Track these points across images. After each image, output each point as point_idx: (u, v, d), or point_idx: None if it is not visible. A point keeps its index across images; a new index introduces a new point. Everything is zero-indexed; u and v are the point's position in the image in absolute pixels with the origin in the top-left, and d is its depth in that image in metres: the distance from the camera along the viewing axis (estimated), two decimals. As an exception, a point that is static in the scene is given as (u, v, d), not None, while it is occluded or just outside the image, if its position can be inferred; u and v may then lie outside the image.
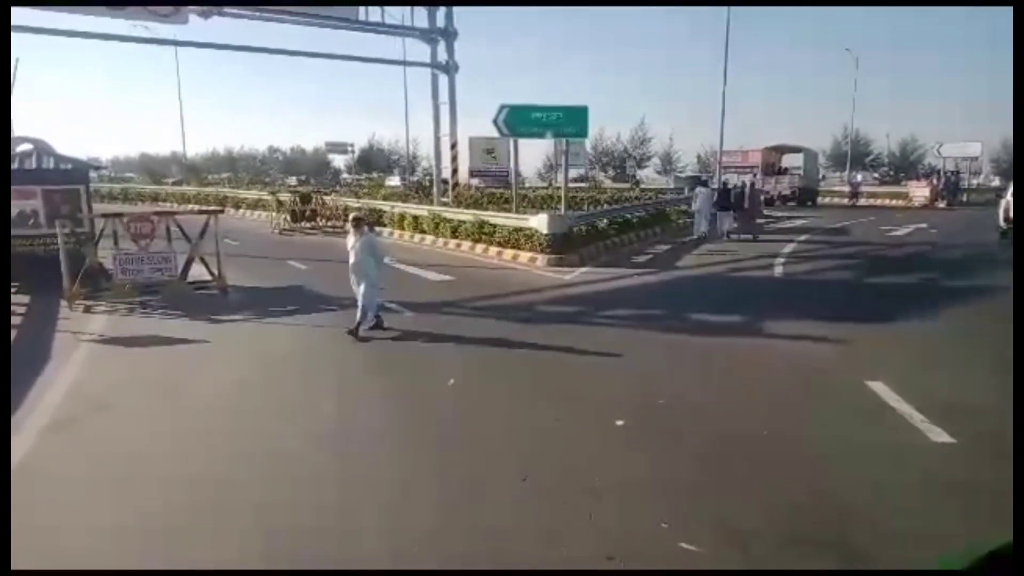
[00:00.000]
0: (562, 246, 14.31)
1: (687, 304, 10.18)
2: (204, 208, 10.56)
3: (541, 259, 14.23)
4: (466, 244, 17.00)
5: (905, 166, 59.53)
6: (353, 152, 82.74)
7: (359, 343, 8.03)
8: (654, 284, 12.01)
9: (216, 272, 11.12)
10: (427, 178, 59.67)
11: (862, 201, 38.80)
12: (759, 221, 20.75)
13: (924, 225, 22.35)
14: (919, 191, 37.94)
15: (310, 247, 18.27)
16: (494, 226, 16.30)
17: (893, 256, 15.52)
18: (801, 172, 38.13)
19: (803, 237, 19.09)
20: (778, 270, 13.21)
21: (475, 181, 28.31)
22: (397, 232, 20.37)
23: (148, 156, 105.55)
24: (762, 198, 23.19)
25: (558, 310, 9.91)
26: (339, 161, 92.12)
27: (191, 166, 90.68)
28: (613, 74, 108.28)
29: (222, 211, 11.19)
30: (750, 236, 18.56)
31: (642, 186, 39.11)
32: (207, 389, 6.48)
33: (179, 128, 74.47)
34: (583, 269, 13.54)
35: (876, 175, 63.22)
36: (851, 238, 19.06)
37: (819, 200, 38.16)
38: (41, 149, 12.37)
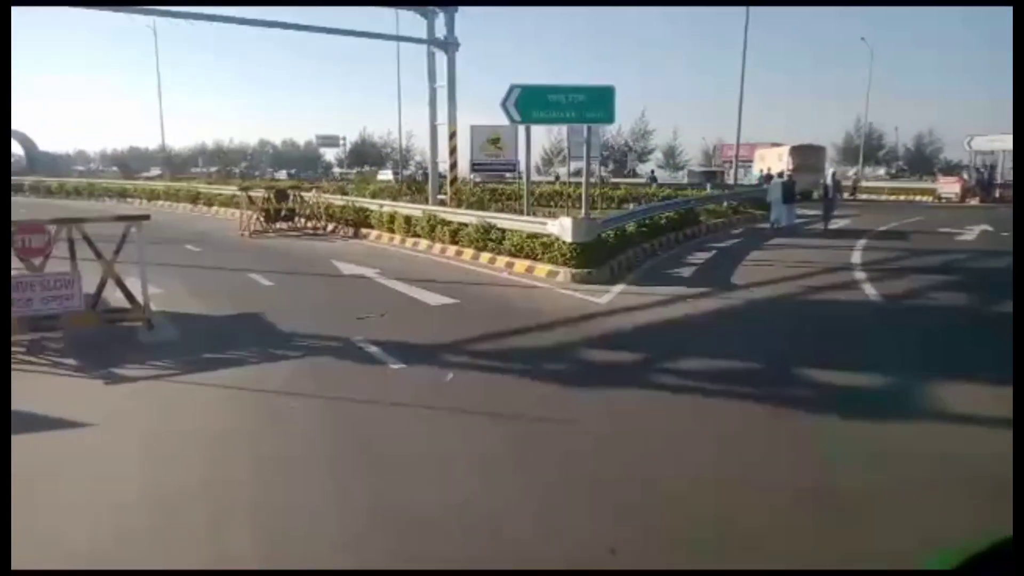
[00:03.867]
0: (590, 258, 11.53)
1: (781, 350, 7.39)
2: (124, 215, 7.39)
3: (564, 274, 11.44)
4: (468, 252, 14.21)
5: (920, 161, 57.05)
6: (345, 145, 79.86)
7: (322, 429, 5.22)
8: (719, 313, 9.24)
9: (139, 299, 8.25)
10: (420, 172, 57.30)
11: (881, 197, 36.54)
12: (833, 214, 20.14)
13: (987, 227, 19.63)
14: (949, 187, 35.37)
15: (283, 254, 15.43)
16: (503, 231, 13.50)
17: (996, 269, 12.75)
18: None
19: (862, 242, 16.34)
20: (869, 290, 10.43)
21: (473, 176, 25.53)
22: (386, 236, 17.53)
23: (137, 150, 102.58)
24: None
25: (605, 358, 7.13)
26: (330, 155, 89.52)
27: (173, 160, 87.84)
28: (610, 65, 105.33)
29: (147, 218, 8.24)
30: (820, 227, 18.84)
31: (659, 182, 36.27)
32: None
33: (174, 119, 71.38)
34: (619, 288, 10.76)
35: (888, 170, 60.79)
36: (919, 245, 16.30)
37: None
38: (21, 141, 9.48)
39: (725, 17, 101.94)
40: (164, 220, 23.55)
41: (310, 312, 9.37)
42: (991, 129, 38.20)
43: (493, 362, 6.89)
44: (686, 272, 12.51)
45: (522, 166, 17.28)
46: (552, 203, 23.33)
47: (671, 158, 67.52)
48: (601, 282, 11.16)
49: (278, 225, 19.39)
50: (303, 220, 19.90)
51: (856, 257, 13.96)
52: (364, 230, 18.54)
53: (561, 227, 11.84)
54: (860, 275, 11.76)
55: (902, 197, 36.18)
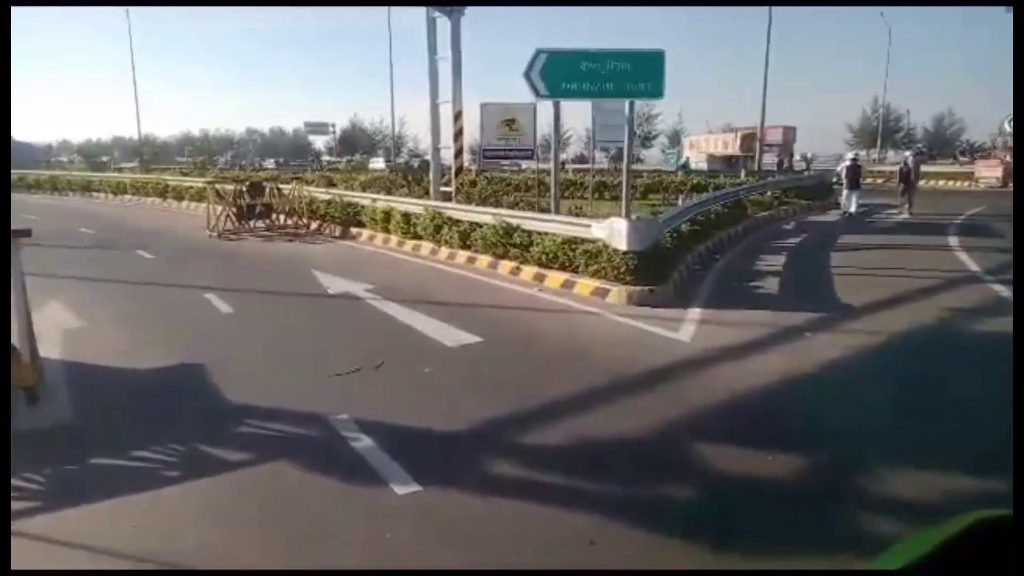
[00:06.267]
0: (650, 271, 8.72)
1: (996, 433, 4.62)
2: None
3: (617, 293, 8.63)
4: (484, 259, 11.38)
5: (940, 143, 54.29)
6: (334, 132, 76.65)
7: None
8: (863, 358, 6.42)
9: (26, 353, 5.36)
10: (415, 160, 54.13)
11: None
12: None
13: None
14: (988, 171, 32.73)
15: (252, 263, 12.57)
16: (529, 234, 10.67)
17: None
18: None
19: (953, 240, 13.62)
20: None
21: (473, 164, 22.59)
22: (381, 236, 14.66)
23: (122, 139, 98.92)
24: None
25: (748, 466, 4.33)
26: (320, 143, 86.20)
27: (157, 149, 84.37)
28: (610, 40, 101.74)
29: (28, 233, 5.25)
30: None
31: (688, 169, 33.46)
32: None
33: (161, 109, 68.08)
34: (695, 313, 7.96)
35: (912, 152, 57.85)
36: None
37: None
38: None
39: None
40: (124, 217, 20.69)
41: (275, 361, 6.56)
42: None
43: (572, 480, 4.09)
44: (769, 285, 9.72)
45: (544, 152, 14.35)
46: (572, 197, 20.42)
47: (676, 143, 64.55)
48: (667, 303, 8.37)
49: (253, 223, 16.48)
50: (282, 217, 16.99)
51: (969, 261, 11.21)
52: (354, 229, 15.67)
53: (611, 231, 9.02)
54: (1000, 289, 8.99)
55: (940, 182, 33.41)
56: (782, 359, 6.28)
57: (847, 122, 59.84)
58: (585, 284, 9.15)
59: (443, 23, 15.30)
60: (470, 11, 15.30)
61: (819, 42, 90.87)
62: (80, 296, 9.31)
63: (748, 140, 43.38)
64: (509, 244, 10.79)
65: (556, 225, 10.31)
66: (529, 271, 10.26)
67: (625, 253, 8.74)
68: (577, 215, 12.61)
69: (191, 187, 23.10)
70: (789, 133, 48.46)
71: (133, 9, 43.88)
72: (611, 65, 11.29)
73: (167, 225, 18.78)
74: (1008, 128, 34.80)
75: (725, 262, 11.59)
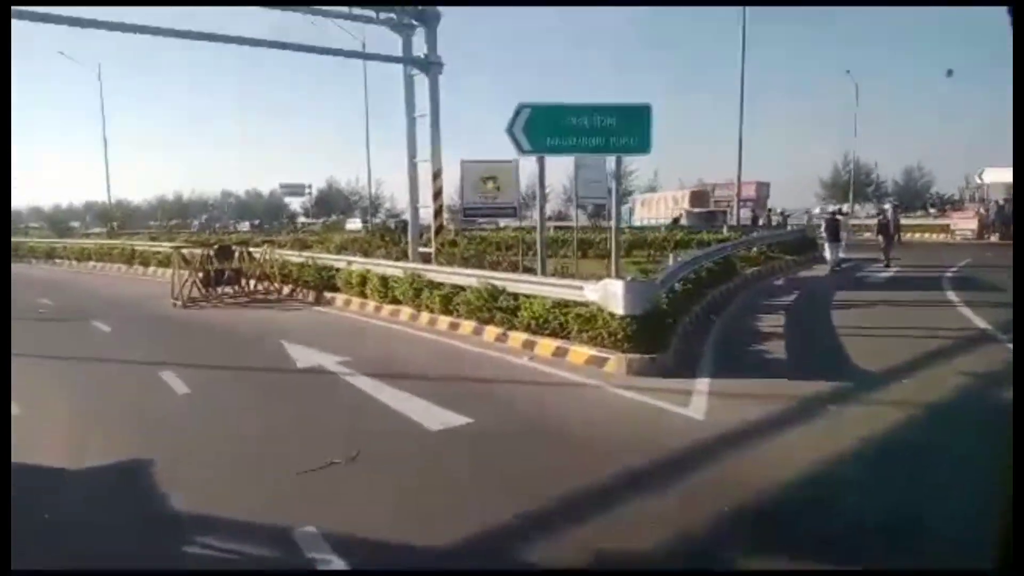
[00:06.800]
0: (650, 336, 8.01)
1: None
2: None
3: (616, 362, 7.89)
4: (467, 325, 10.63)
5: (910, 195, 55.29)
6: (311, 194, 76.28)
7: None
8: (892, 438, 5.71)
9: None
10: (392, 220, 53.64)
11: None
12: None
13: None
14: (964, 223, 33.02)
15: (218, 334, 11.67)
16: (516, 297, 9.97)
17: None
18: None
19: (951, 294, 13.20)
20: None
21: (450, 222, 22.07)
22: (357, 301, 13.86)
23: (94, 204, 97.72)
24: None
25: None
26: (296, 204, 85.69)
27: (130, 213, 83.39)
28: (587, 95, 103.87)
29: None
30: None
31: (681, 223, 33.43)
32: None
33: (134, 173, 67.45)
34: (702, 384, 7.23)
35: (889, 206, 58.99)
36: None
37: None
38: None
39: (702, 57, 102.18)
40: (85, 286, 19.66)
41: (234, 454, 5.69)
42: (980, 163, 36.40)
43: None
44: (775, 349, 9.05)
45: (524, 210, 13.81)
46: (555, 255, 19.87)
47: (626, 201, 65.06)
48: (671, 372, 7.65)
49: (221, 290, 15.60)
50: (252, 282, 16.15)
51: (974, 317, 10.72)
52: (329, 294, 14.86)
53: (606, 293, 8.35)
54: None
55: (916, 235, 33.63)
56: (811, 440, 5.55)
57: (819, 176, 60.88)
58: (579, 352, 8.41)
59: (421, 80, 14.96)
60: (448, 69, 15.00)
61: (790, 99, 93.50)
62: (22, 377, 8.32)
63: (697, 198, 43.94)
64: (495, 308, 10.07)
65: (545, 287, 9.63)
66: (517, 337, 9.51)
67: (622, 318, 8.04)
68: (564, 275, 12.01)
69: (158, 252, 22.19)
70: (763, 188, 49.04)
71: (105, 73, 43.73)
72: (596, 119, 10.89)
73: (130, 293, 17.82)
74: (979, 181, 35.42)
75: (723, 323, 10.96)
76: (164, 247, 22.08)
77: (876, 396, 6.77)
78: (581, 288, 8.88)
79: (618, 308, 8.07)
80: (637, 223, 41.61)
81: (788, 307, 12.52)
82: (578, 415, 6.45)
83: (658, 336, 8.15)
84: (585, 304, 8.75)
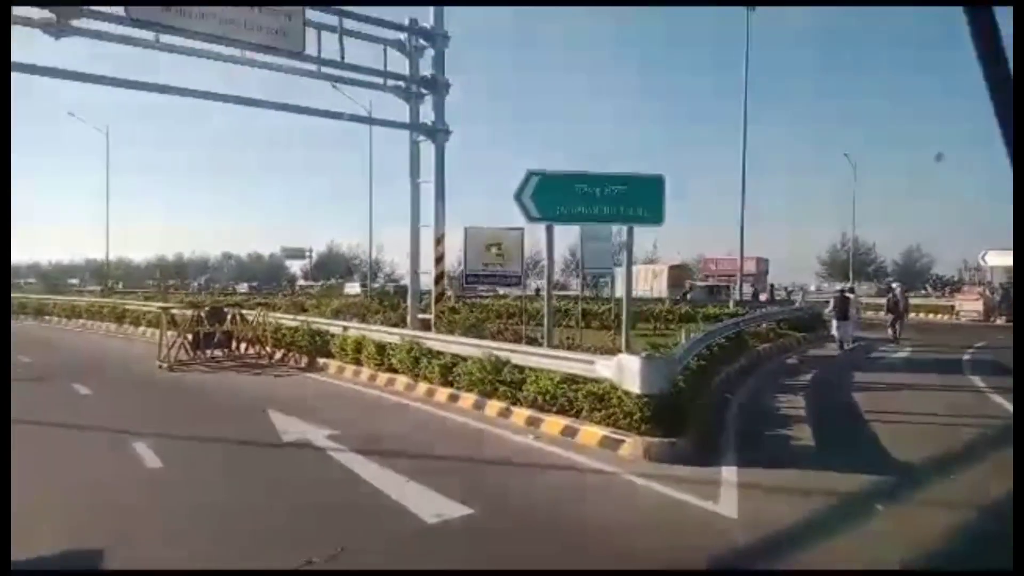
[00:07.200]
0: (669, 418, 7.35)
1: None
2: None
3: (632, 445, 7.19)
4: (468, 398, 9.94)
5: (910, 276, 55.33)
6: (311, 257, 76.37)
7: None
8: (956, 548, 5.02)
9: None
10: (391, 284, 53.32)
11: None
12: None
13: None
14: (970, 305, 32.61)
15: (202, 400, 10.96)
16: (521, 370, 9.34)
17: None
18: None
19: (975, 379, 12.58)
20: None
21: (449, 291, 21.56)
22: (351, 369, 13.18)
23: (94, 262, 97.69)
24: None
25: None
26: (296, 267, 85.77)
27: (123, 270, 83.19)
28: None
29: None
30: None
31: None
32: None
33: (137, 231, 67.62)
34: (728, 474, 6.53)
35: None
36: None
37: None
38: None
39: (694, 131, 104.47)
40: (71, 345, 18.97)
41: (199, 544, 4.95)
42: (979, 244, 36.42)
43: None
44: (801, 434, 8.35)
45: (533, 278, 13.30)
46: (558, 324, 19.28)
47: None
48: (692, 459, 6.95)
49: (211, 352, 14.92)
50: (243, 346, 15.49)
51: (1006, 403, 10.06)
52: (322, 360, 14.18)
53: (620, 369, 7.73)
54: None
55: (921, 315, 33.20)
56: (866, 548, 4.83)
57: (816, 254, 61.19)
58: (591, 432, 7.71)
59: (427, 147, 14.76)
60: (456, 137, 14.83)
61: (788, 177, 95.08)
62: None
63: (676, 273, 43.90)
64: (498, 381, 9.41)
65: (553, 361, 9.02)
66: (521, 414, 8.81)
67: (639, 396, 7.40)
68: (571, 347, 11.40)
69: (148, 312, 21.59)
70: (762, 264, 49.12)
71: (95, 123, 44.38)
72: (607, 189, 10.59)
73: (117, 354, 17.14)
74: (982, 263, 35.27)
75: (740, 403, 10.28)
76: (154, 307, 21.49)
77: (921, 494, 6.07)
78: (592, 363, 8.27)
79: (634, 386, 7.43)
80: (618, 294, 41.23)
81: (807, 388, 11.87)
82: (595, 509, 5.73)
83: (677, 418, 7.48)
84: (596, 380, 8.11)
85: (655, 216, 10.75)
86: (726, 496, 5.88)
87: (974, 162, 74.40)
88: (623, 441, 7.31)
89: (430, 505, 5.60)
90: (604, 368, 8.03)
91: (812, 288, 54.64)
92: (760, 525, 5.24)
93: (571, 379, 8.49)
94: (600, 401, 7.81)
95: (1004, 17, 1.07)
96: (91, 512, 5.60)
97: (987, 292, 32.53)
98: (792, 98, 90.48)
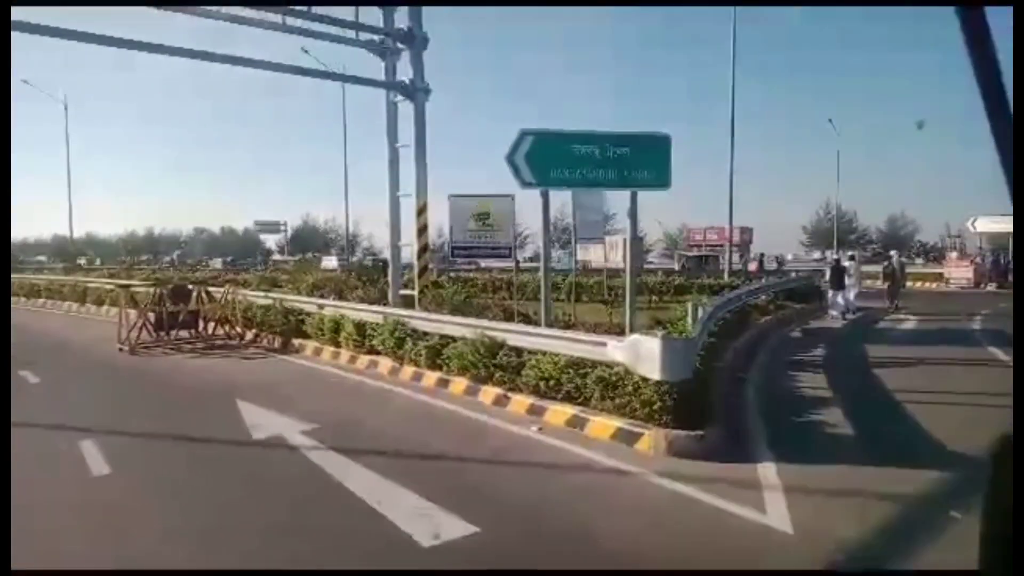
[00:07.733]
0: (693, 408, 6.44)
1: None
2: None
3: (652, 438, 6.28)
4: (459, 383, 8.97)
5: (895, 243, 55.14)
6: (286, 231, 74.34)
7: None
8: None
9: None
10: (369, 258, 51.72)
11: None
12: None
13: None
14: (960, 271, 32.22)
15: (163, 389, 9.87)
16: (519, 352, 8.38)
17: None
18: None
19: (993, 349, 11.90)
20: None
21: (430, 263, 20.35)
22: (329, 351, 12.13)
23: (60, 237, 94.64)
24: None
25: None
26: (271, 241, 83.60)
27: (97, 248, 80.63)
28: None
29: None
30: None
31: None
32: None
33: (105, 207, 65.01)
34: (767, 471, 5.65)
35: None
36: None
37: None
38: None
39: (688, 100, 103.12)
40: (27, 327, 17.61)
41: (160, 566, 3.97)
42: (965, 211, 36.04)
43: None
44: (834, 419, 7.50)
45: (526, 250, 12.25)
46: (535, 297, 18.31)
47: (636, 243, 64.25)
48: (722, 454, 6.07)
49: (175, 334, 13.77)
50: (211, 326, 14.35)
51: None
52: (297, 340, 13.10)
53: (636, 353, 6.78)
54: None
55: (911, 283, 32.75)
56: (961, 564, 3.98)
57: (801, 224, 60.74)
58: (603, 424, 6.80)
59: (406, 107, 13.57)
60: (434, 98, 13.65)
61: (772, 148, 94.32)
62: None
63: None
64: (493, 365, 8.45)
65: (557, 342, 8.05)
66: (522, 402, 7.86)
67: (658, 383, 6.48)
68: (569, 325, 10.47)
69: (112, 291, 20.25)
70: (747, 233, 48.45)
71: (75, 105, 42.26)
72: (609, 150, 9.52)
73: (75, 336, 15.90)
74: (972, 229, 34.86)
75: (755, 384, 9.45)
76: (112, 284, 20.15)
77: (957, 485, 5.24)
78: (604, 344, 7.31)
79: (654, 372, 6.49)
80: (594, 266, 40.43)
81: (821, 364, 11.10)
82: (625, 525, 4.80)
83: (701, 407, 6.58)
84: (608, 365, 7.17)
85: (661, 179, 9.74)
86: (772, 503, 5.00)
87: (954, 129, 74.29)
88: (641, 434, 6.40)
89: (426, 523, 4.66)
90: (617, 351, 7.08)
91: (789, 257, 54.24)
92: (820, 540, 4.38)
93: (581, 364, 7.54)
94: (612, 388, 6.88)
95: (1004, 17, 0.95)
96: (18, 534, 4.56)
97: (977, 259, 32.15)
98: (771, 71, 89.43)
